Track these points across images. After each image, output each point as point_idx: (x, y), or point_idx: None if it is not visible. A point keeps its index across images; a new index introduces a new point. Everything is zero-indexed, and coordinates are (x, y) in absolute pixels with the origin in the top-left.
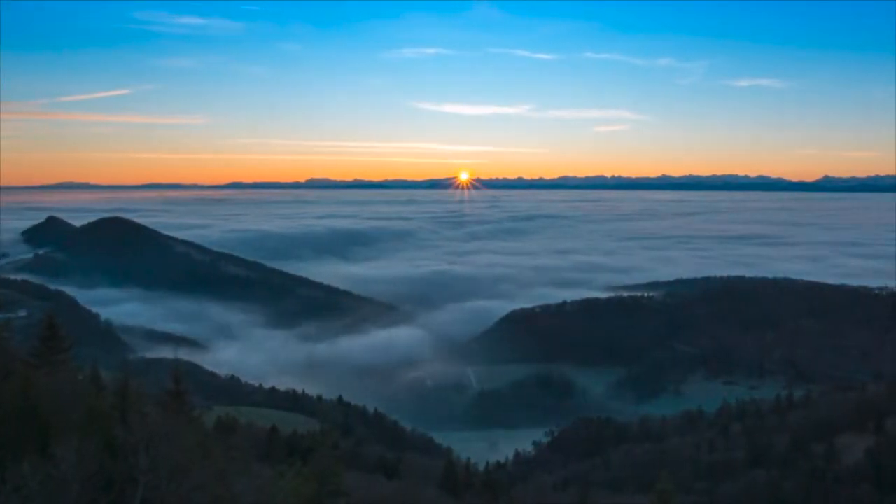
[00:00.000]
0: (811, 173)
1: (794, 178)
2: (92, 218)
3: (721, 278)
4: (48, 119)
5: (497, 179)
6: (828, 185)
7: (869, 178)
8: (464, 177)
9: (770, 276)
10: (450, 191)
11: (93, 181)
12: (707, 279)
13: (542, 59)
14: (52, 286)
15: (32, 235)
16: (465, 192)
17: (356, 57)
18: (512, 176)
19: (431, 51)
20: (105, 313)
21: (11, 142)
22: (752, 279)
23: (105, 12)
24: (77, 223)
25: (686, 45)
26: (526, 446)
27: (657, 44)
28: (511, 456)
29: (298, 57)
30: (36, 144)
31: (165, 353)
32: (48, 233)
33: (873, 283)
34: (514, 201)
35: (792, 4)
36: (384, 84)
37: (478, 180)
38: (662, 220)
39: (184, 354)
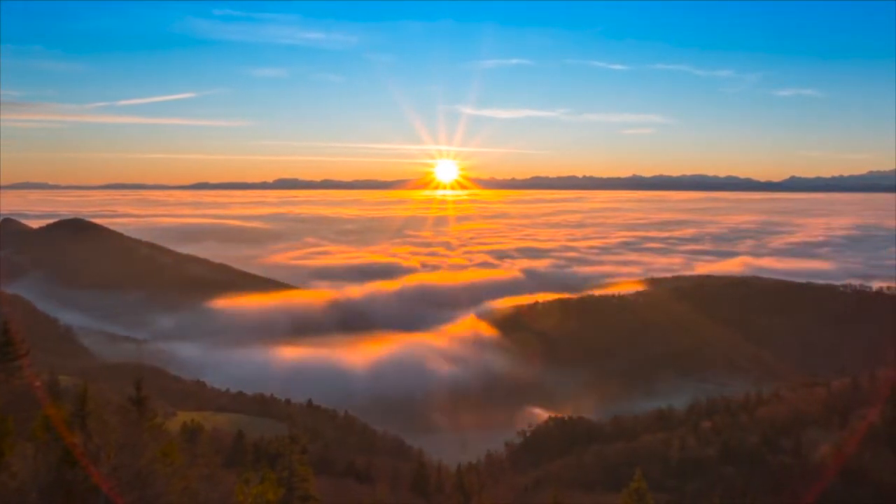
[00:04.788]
0: (779, 173)
1: (762, 179)
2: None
3: (692, 277)
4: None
5: (475, 180)
6: (795, 185)
7: (833, 178)
8: (446, 176)
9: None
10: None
11: (51, 181)
12: (677, 278)
13: (614, 69)
14: (9, 290)
15: None
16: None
17: (434, 67)
18: (485, 177)
19: (514, 61)
20: (64, 318)
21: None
22: (721, 277)
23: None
24: (35, 224)
25: (746, 58)
26: (498, 447)
27: (723, 56)
28: (483, 457)
29: (381, 67)
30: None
31: (128, 357)
32: (4, 235)
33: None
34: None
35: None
36: (439, 91)
37: (457, 180)
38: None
39: (147, 359)
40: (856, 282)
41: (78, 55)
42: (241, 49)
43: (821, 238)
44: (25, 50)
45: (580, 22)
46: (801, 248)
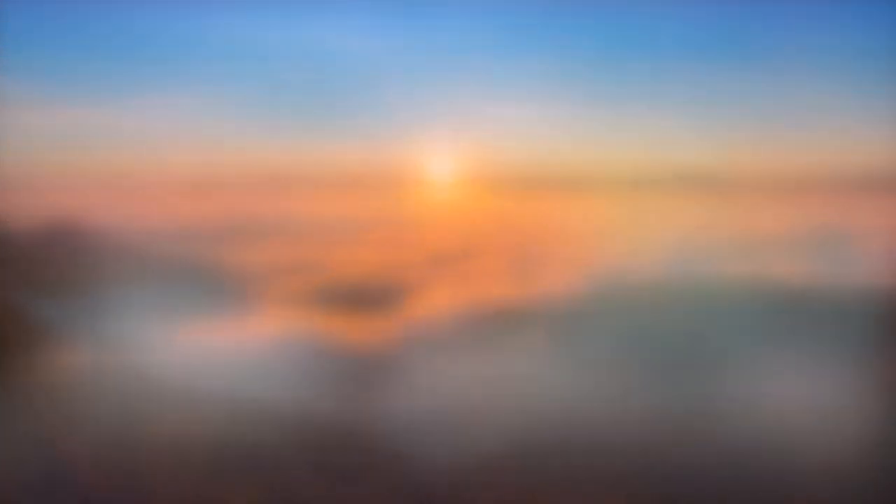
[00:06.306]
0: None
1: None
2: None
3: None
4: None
5: (468, 179)
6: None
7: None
8: (440, 175)
9: None
10: None
11: (38, 181)
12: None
13: (631, 70)
14: None
15: None
16: None
17: (453, 69)
18: (477, 176)
19: (534, 63)
20: (51, 319)
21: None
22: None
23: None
24: (20, 225)
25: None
26: (491, 447)
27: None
28: (477, 457)
29: (401, 68)
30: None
31: (116, 359)
32: None
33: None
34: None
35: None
36: (455, 92)
37: (452, 180)
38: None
39: (136, 360)
40: (844, 281)
41: (106, 56)
42: (276, 51)
43: (811, 237)
44: (55, 52)
45: (605, 23)
46: (791, 247)
